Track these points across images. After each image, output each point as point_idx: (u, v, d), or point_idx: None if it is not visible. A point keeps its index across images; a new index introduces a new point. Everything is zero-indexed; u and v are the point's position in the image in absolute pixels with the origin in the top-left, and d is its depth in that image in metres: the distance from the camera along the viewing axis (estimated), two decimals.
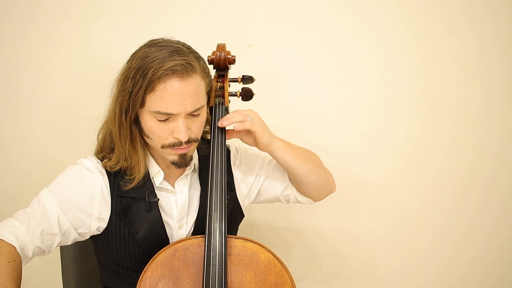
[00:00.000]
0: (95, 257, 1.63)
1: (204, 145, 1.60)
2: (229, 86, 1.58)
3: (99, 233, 1.50)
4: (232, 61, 1.58)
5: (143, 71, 1.32)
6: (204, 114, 1.43)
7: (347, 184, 2.19)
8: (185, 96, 1.33)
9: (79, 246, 1.76)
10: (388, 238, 2.27)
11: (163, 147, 1.41)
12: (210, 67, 1.57)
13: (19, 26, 1.99)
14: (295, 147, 1.61)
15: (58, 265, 1.81)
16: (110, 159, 1.47)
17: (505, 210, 2.24)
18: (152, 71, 1.31)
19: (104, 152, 1.50)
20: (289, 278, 1.41)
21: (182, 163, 1.44)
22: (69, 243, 1.50)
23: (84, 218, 1.46)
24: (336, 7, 2.08)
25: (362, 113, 2.16)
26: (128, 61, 1.39)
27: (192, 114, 1.38)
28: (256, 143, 1.51)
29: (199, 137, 1.44)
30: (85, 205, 1.45)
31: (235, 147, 1.67)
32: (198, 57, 1.40)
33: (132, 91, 1.34)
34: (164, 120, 1.37)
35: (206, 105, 1.44)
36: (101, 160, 1.49)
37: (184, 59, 1.33)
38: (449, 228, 2.26)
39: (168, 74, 1.31)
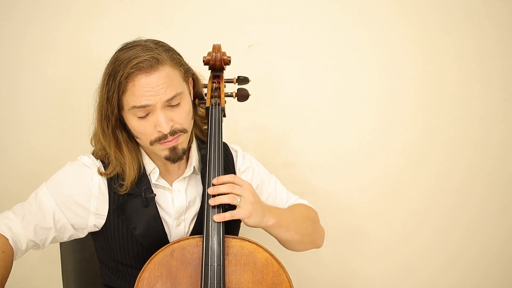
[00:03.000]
0: (96, 255, 1.63)
1: (204, 145, 1.60)
2: (225, 87, 1.58)
3: (98, 229, 1.51)
4: (228, 62, 1.58)
5: (114, 75, 1.36)
6: (186, 103, 1.42)
7: (346, 183, 2.20)
8: (156, 87, 1.35)
9: (79, 245, 1.77)
10: (388, 237, 2.27)
11: (151, 143, 1.42)
12: (205, 67, 1.58)
13: (19, 26, 2.00)
14: (288, 220, 1.57)
15: (58, 264, 1.82)
16: (107, 165, 1.49)
17: (505, 210, 2.24)
18: (120, 73, 1.34)
19: (101, 152, 1.51)
20: (287, 277, 1.41)
21: (175, 157, 1.44)
22: (65, 239, 1.51)
23: (81, 214, 1.47)
24: (336, 7, 2.08)
25: (361, 113, 2.16)
26: (105, 69, 1.42)
27: (171, 105, 1.39)
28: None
29: (186, 127, 1.43)
30: (82, 200, 1.47)
31: (243, 155, 1.68)
32: (168, 49, 1.42)
33: (107, 97, 1.38)
34: (144, 117, 1.38)
35: (186, 93, 1.44)
36: (101, 161, 1.50)
37: (148, 54, 1.35)
38: (449, 228, 2.26)
39: (133, 72, 1.34)
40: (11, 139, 2.06)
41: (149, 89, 1.34)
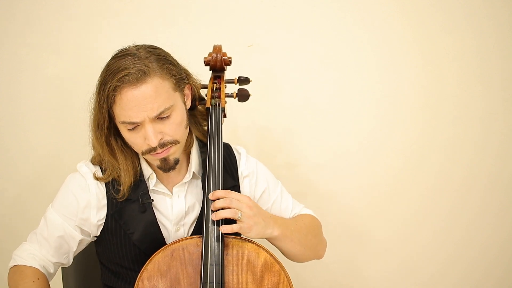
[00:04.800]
0: (96, 256, 1.64)
1: (205, 148, 1.58)
2: (225, 87, 1.58)
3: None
4: (228, 62, 1.58)
5: (104, 86, 1.35)
6: (177, 114, 1.40)
7: (346, 183, 2.19)
8: (143, 102, 1.33)
9: None
10: (388, 237, 2.27)
11: (143, 154, 1.43)
12: (206, 68, 1.58)
13: (20, 26, 2.00)
14: (293, 231, 1.53)
15: None
16: (104, 170, 1.50)
17: (505, 210, 2.24)
18: (109, 85, 1.33)
19: (99, 157, 1.52)
20: (286, 277, 1.41)
21: (166, 167, 1.44)
22: (84, 247, 1.57)
23: (87, 226, 1.51)
24: (336, 7, 2.08)
25: (361, 114, 2.16)
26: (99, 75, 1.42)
27: (161, 117, 1.37)
28: None
29: (178, 139, 1.42)
30: (84, 214, 1.49)
31: (246, 158, 1.64)
32: (160, 59, 1.38)
33: (99, 106, 1.38)
34: (133, 129, 1.38)
35: (178, 105, 1.41)
36: (99, 167, 1.52)
37: (135, 67, 1.32)
38: (449, 228, 2.26)
39: (120, 85, 1.32)
40: (11, 139, 2.07)
41: (136, 103, 1.33)
